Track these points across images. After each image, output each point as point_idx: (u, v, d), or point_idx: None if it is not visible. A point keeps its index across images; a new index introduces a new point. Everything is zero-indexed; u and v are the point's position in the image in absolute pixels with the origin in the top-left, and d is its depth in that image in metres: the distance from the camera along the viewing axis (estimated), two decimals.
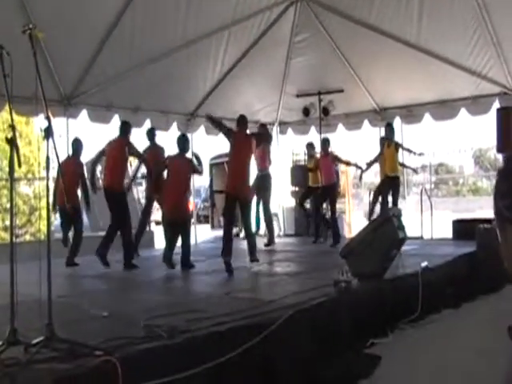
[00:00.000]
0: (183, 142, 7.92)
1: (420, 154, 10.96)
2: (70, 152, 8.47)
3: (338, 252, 6.51)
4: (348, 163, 11.33)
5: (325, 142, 10.70)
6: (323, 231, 10.96)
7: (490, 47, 9.46)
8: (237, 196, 7.30)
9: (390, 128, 10.54)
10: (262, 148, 9.44)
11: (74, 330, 3.74)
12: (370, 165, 10.96)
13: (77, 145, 8.41)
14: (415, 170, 12.72)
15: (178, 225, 7.53)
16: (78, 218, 8.20)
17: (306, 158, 11.87)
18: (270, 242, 10.32)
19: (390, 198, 10.22)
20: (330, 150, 10.65)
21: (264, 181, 10.22)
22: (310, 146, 11.59)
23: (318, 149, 11.46)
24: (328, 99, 11.89)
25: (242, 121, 7.96)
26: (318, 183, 10.88)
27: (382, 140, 10.63)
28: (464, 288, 7.14)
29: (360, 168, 11.06)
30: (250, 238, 7.59)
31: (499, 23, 8.98)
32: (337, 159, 10.73)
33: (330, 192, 10.46)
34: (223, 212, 7.94)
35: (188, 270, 7.39)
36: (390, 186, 10.25)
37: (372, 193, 11.13)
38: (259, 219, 10.54)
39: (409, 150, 10.66)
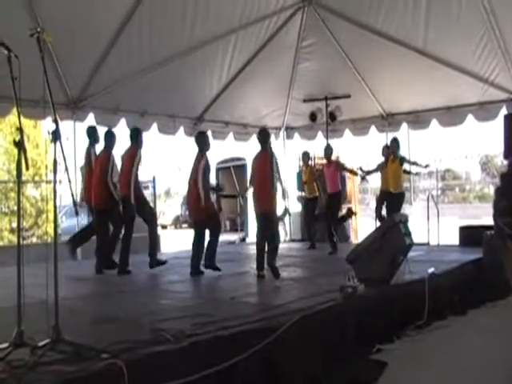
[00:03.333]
0: None
1: (426, 166, 10.85)
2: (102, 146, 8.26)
3: (344, 257, 6.49)
4: (352, 171, 11.31)
5: (328, 150, 10.55)
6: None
7: (498, 53, 9.45)
8: None
9: (396, 143, 10.35)
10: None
11: (80, 333, 3.73)
12: (369, 173, 10.94)
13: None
14: (422, 169, 12.21)
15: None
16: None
17: (301, 166, 11.86)
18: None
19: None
20: (333, 157, 10.63)
21: None
22: (305, 155, 11.49)
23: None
24: (335, 104, 11.90)
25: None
26: (314, 193, 10.99)
27: (386, 150, 10.53)
28: (470, 295, 7.10)
29: (364, 178, 11.13)
30: None
31: (506, 29, 8.96)
32: (341, 167, 10.68)
33: (335, 201, 10.42)
34: None
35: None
36: (392, 202, 10.16)
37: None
38: None
39: (415, 164, 10.57)
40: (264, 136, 7.48)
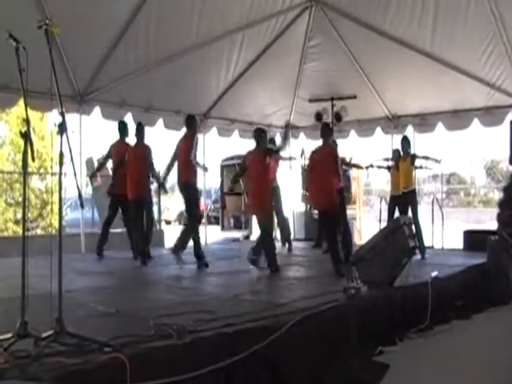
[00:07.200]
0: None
1: (437, 161, 10.35)
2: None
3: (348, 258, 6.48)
4: (356, 166, 11.15)
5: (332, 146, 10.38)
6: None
7: (505, 58, 9.40)
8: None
9: (406, 141, 9.96)
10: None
11: (83, 326, 3.73)
12: (379, 166, 10.67)
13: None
14: (434, 163, 11.71)
15: None
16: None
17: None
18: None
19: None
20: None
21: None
22: None
23: None
24: (341, 105, 11.84)
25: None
26: None
27: (396, 153, 10.32)
28: (474, 299, 7.08)
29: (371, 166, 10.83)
30: None
31: None
32: (345, 163, 10.53)
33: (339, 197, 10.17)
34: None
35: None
36: (406, 201, 9.67)
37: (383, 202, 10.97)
38: None
39: (425, 158, 10.18)
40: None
